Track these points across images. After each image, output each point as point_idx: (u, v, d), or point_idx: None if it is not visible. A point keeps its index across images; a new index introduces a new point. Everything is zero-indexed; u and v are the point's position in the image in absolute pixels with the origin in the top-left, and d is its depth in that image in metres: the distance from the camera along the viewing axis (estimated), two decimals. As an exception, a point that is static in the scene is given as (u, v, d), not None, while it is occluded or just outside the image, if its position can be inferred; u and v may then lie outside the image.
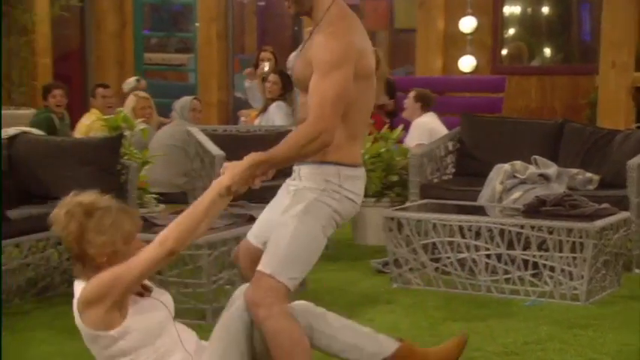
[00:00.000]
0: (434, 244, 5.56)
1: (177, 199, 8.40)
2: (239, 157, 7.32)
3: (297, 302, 3.34)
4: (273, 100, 8.58)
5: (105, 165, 5.92)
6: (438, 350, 3.45)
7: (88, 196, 3.14)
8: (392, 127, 7.49)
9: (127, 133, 7.20)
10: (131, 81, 10.51)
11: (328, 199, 3.24)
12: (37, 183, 5.82)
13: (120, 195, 5.83)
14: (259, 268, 3.19)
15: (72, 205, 3.11)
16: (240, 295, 3.30)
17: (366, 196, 6.83)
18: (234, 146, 6.84)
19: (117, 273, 3.01)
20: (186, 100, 9.36)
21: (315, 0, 3.29)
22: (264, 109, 8.70)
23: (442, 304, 5.22)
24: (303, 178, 3.28)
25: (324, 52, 3.16)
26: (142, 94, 9.69)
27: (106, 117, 7.88)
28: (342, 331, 3.33)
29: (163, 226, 5.03)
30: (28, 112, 12.15)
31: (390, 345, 3.36)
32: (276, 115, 8.49)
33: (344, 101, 3.15)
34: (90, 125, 8.72)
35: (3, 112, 12.34)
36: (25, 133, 6.17)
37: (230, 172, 3.13)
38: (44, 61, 10.98)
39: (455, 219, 5.50)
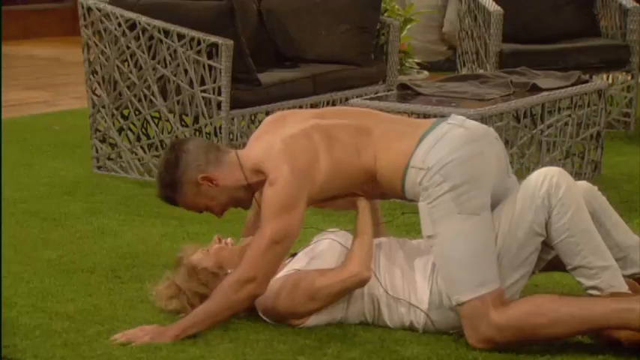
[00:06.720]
0: None
1: (440, 67, 8.13)
2: (520, 16, 6.17)
3: (582, 182, 3.16)
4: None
5: (363, 23, 5.65)
6: None
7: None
8: None
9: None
10: None
11: (435, 190, 2.96)
12: (288, 43, 5.70)
13: (378, 59, 5.74)
14: (453, 305, 2.97)
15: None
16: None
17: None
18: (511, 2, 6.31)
19: None
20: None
21: None
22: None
23: None
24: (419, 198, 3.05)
25: None
26: None
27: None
28: (617, 228, 3.14)
29: (430, 95, 4.41)
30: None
31: None
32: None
33: None
34: None
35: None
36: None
37: None
38: None
39: None
